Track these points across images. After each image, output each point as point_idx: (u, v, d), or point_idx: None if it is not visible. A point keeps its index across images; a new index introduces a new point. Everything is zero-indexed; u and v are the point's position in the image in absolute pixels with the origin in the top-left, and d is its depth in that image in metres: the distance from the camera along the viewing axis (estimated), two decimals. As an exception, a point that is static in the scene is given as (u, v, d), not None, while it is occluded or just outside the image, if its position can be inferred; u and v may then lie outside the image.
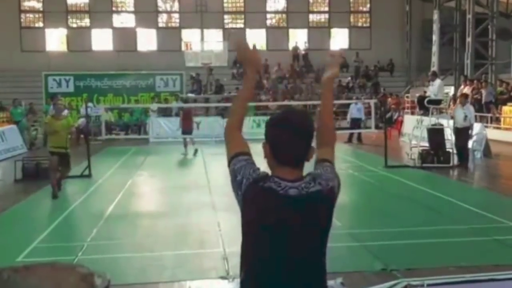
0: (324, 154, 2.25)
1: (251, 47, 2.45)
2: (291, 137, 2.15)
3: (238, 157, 2.25)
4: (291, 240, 2.11)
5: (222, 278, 5.40)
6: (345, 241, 6.69)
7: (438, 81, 15.60)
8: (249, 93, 2.47)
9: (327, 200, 2.15)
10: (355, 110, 18.45)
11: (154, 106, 20.81)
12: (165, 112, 21.16)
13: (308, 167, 2.26)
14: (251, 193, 2.15)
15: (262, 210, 2.14)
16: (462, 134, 12.13)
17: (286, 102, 23.76)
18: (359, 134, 18.34)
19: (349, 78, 27.34)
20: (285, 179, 2.13)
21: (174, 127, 19.71)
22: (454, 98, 15.20)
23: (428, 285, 3.85)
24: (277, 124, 2.20)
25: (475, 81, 20.72)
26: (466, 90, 19.20)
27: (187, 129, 16.04)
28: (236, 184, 2.20)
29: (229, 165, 2.27)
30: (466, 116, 12.18)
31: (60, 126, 9.92)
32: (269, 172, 2.22)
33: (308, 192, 2.11)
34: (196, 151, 15.53)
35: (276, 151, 2.18)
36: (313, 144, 2.27)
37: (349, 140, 18.03)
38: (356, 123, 18.47)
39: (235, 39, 2.49)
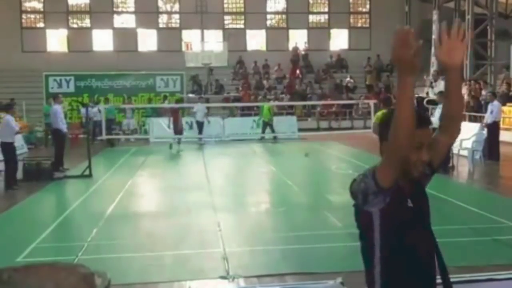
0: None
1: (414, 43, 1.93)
2: None
3: None
4: None
5: (222, 278, 5.41)
6: (345, 241, 6.70)
7: (442, 82, 15.60)
8: (409, 113, 1.94)
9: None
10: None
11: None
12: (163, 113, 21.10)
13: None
14: None
15: None
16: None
17: (285, 103, 23.80)
18: None
19: (348, 78, 27.30)
20: None
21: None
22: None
23: (428, 285, 3.84)
24: None
25: (471, 82, 20.73)
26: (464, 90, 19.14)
27: (178, 130, 16.80)
28: None
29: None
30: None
31: None
32: None
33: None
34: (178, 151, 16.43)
35: None
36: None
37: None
38: None
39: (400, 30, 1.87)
